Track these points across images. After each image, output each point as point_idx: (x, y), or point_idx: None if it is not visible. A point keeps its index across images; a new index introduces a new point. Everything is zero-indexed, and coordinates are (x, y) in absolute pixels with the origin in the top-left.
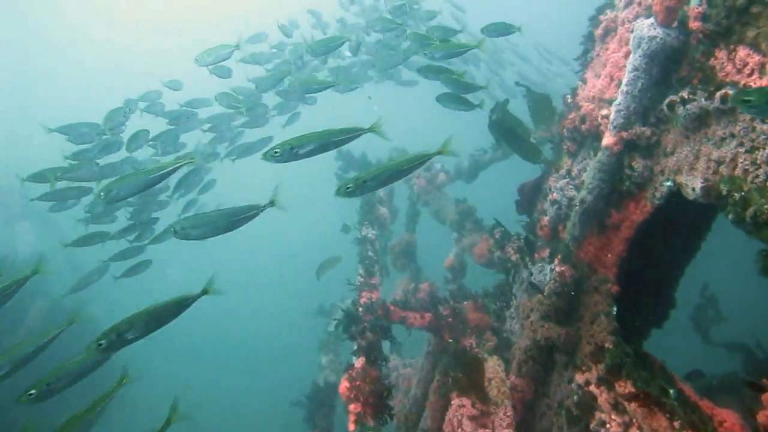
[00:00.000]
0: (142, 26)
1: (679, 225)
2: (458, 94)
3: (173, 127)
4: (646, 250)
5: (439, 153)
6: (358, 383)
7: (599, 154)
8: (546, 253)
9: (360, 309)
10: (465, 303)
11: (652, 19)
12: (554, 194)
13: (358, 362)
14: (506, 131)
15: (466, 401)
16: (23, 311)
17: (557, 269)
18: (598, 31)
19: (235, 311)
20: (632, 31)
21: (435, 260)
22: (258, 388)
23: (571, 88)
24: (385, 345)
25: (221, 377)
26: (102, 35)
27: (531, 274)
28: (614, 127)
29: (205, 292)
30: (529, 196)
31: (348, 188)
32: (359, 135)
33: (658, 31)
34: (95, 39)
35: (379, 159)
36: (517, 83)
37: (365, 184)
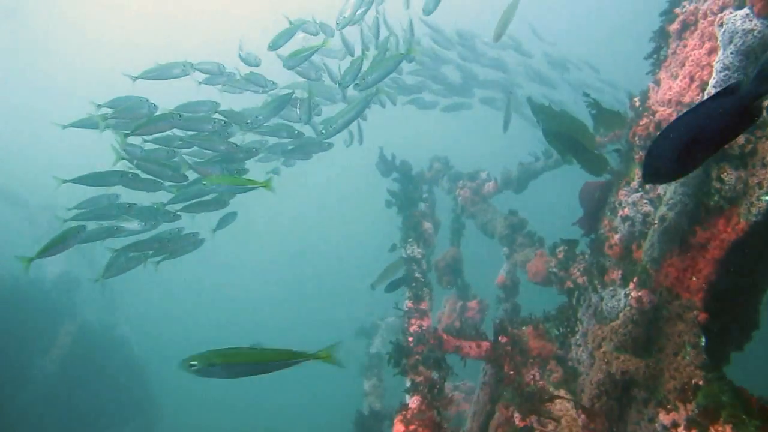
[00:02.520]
0: (140, 22)
1: None
2: None
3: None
4: (737, 272)
5: (318, 358)
6: (414, 428)
7: None
8: (617, 275)
9: (410, 339)
10: (524, 328)
11: (746, 10)
12: (626, 209)
13: (413, 402)
14: (565, 138)
15: None
16: (52, 333)
17: (634, 294)
18: (674, 26)
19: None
20: (721, 25)
21: (481, 276)
22: (298, 415)
23: (641, 91)
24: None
25: (257, 406)
26: (98, 33)
27: (602, 299)
28: None
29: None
30: (592, 211)
31: (192, 365)
32: None
33: (755, 24)
34: (91, 37)
35: (421, 168)
36: (584, 93)
37: (211, 368)
